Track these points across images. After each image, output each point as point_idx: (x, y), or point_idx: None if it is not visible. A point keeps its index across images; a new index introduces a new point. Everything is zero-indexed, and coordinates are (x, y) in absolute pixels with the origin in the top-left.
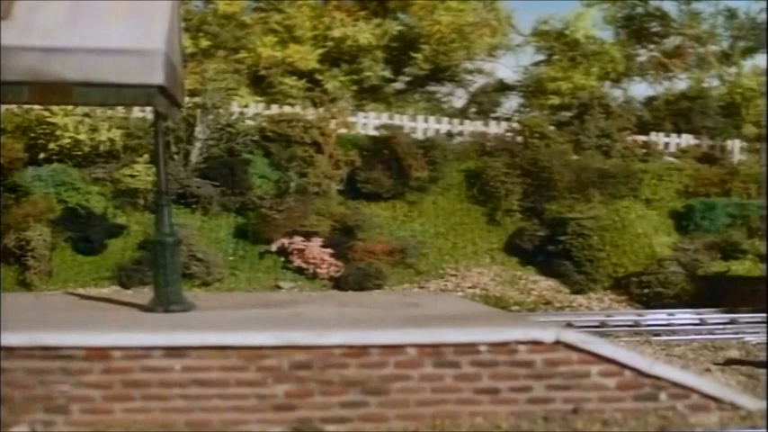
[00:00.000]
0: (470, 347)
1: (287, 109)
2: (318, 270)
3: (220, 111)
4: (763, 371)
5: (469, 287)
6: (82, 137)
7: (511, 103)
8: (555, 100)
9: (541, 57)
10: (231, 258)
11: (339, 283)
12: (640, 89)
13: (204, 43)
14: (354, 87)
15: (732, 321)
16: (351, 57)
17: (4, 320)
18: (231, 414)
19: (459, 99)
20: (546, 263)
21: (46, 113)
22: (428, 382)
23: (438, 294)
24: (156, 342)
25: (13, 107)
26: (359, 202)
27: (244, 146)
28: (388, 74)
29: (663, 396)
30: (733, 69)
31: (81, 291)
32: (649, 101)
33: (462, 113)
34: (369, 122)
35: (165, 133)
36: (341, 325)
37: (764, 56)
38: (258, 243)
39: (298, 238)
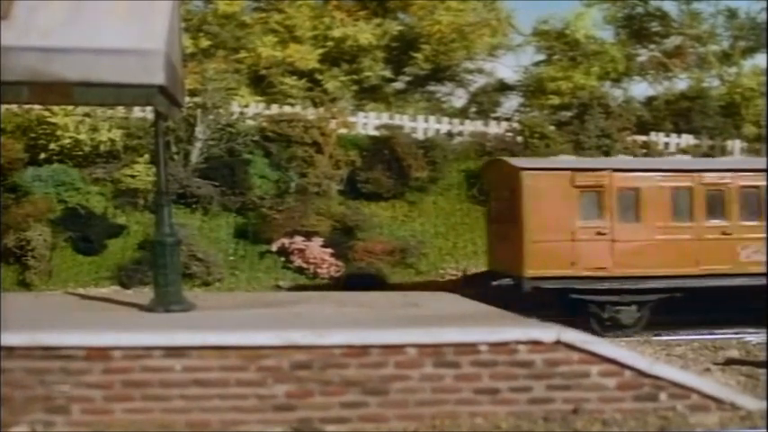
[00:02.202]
0: (470, 347)
1: (287, 109)
2: (318, 270)
3: (220, 111)
4: (763, 371)
5: None
6: (82, 137)
7: (511, 102)
8: (555, 100)
9: (541, 57)
10: (231, 258)
11: (339, 283)
12: (640, 89)
13: (204, 43)
14: (354, 87)
15: None
16: (351, 57)
17: (4, 320)
18: (231, 414)
19: (459, 99)
20: None
21: (46, 113)
22: (428, 382)
23: (438, 294)
24: (156, 342)
25: (13, 107)
26: (359, 202)
27: (244, 146)
28: (388, 74)
29: (663, 396)
30: (733, 69)
31: (81, 291)
32: (649, 101)
33: (462, 113)
34: (369, 122)
35: (165, 133)
36: (341, 325)
37: (764, 56)
38: (258, 243)
39: (298, 238)
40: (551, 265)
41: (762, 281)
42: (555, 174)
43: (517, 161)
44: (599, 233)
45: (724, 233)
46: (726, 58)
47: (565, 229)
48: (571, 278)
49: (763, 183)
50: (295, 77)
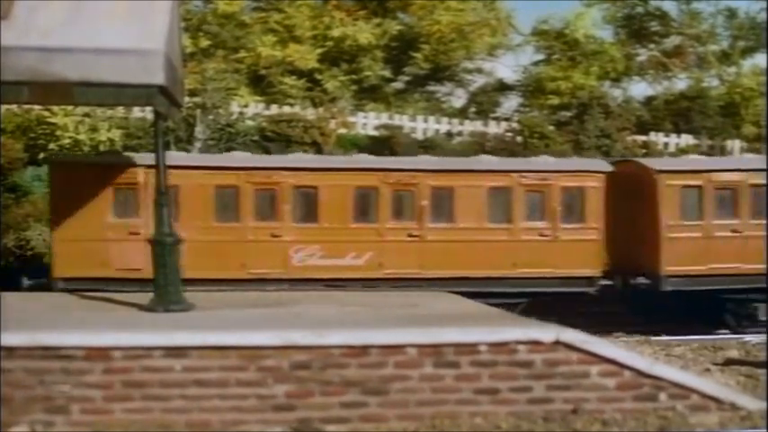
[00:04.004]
0: (470, 347)
1: (287, 109)
2: None
3: (220, 111)
4: (762, 371)
5: None
6: (82, 137)
7: (510, 102)
8: (554, 100)
9: (541, 56)
10: None
11: None
12: (640, 89)
13: (204, 43)
14: (354, 87)
15: None
16: (350, 56)
17: (4, 320)
18: (231, 414)
19: (458, 99)
20: None
21: (46, 113)
22: (428, 383)
23: (438, 294)
24: (156, 342)
25: (13, 107)
26: None
27: (243, 146)
28: (387, 73)
29: (662, 396)
30: (732, 69)
31: (81, 291)
32: (649, 101)
33: (462, 113)
34: (368, 122)
35: (164, 133)
36: (341, 325)
37: (764, 56)
38: None
39: None
40: (81, 266)
41: (316, 286)
42: (85, 169)
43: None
44: (132, 233)
45: (274, 235)
46: (725, 57)
47: (95, 227)
48: (103, 279)
49: (324, 183)
50: (295, 77)
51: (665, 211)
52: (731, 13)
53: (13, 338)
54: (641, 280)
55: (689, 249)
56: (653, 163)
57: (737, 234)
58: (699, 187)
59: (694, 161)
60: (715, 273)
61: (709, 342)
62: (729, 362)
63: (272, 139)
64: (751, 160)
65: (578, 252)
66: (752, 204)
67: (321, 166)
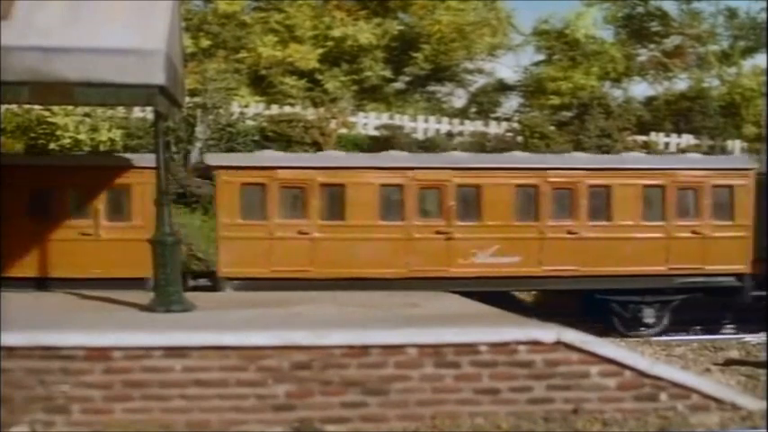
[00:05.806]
0: (470, 348)
1: (287, 109)
2: None
3: (221, 111)
4: (763, 371)
5: None
6: (82, 137)
7: (511, 103)
8: (555, 100)
9: (542, 56)
10: None
11: None
12: (640, 89)
13: (204, 43)
14: (354, 87)
15: None
16: (351, 56)
17: (4, 320)
18: (231, 414)
19: (459, 99)
20: None
21: (46, 113)
22: (428, 383)
23: (438, 294)
24: (156, 342)
25: (13, 107)
26: None
27: (244, 146)
28: (388, 74)
29: (663, 396)
30: (733, 69)
31: (81, 291)
32: (649, 101)
33: (462, 113)
34: (369, 123)
35: (165, 133)
36: (341, 325)
37: (764, 56)
38: None
39: None
40: None
41: None
42: None
43: None
44: None
45: None
46: (726, 57)
47: None
48: None
49: None
50: (295, 77)
51: (222, 209)
52: (731, 13)
53: (13, 338)
54: (202, 281)
55: (250, 251)
56: (214, 159)
57: (305, 236)
58: (262, 185)
59: (260, 157)
60: (278, 276)
61: (710, 342)
62: (730, 362)
63: (273, 139)
64: (324, 157)
65: (124, 253)
66: (323, 204)
67: None
